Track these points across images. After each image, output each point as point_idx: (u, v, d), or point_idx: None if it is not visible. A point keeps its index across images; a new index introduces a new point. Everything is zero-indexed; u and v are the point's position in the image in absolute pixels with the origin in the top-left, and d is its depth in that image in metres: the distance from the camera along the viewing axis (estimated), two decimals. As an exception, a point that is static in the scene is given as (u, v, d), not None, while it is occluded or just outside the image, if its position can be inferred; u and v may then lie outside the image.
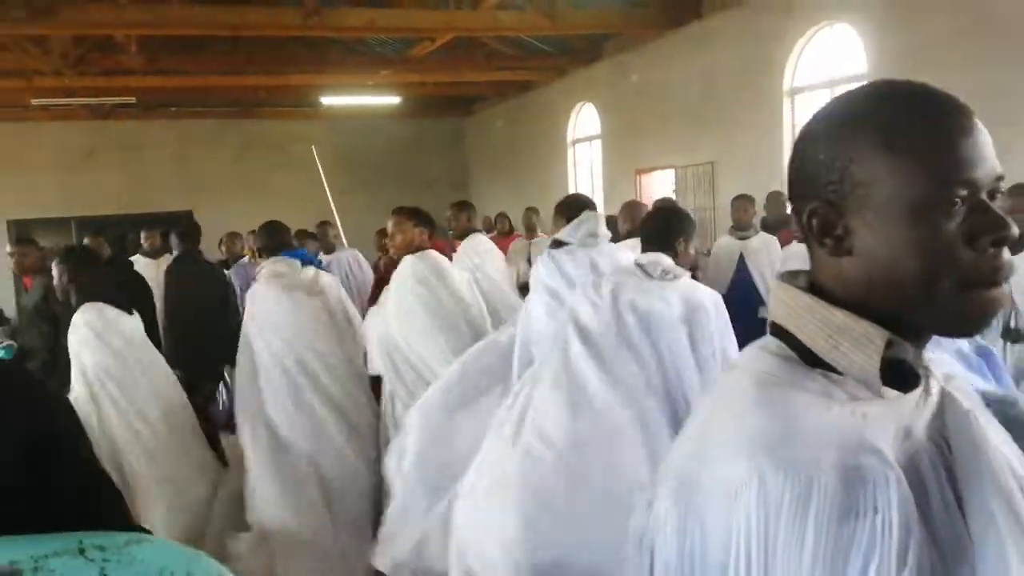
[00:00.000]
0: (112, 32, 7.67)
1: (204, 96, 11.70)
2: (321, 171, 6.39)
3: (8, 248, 4.90)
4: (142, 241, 6.95)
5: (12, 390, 1.01)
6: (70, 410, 1.09)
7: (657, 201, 5.87)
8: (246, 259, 7.03)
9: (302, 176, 12.84)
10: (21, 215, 11.65)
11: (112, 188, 12.15)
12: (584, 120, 10.57)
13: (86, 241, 5.98)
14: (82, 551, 0.76)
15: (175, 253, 5.81)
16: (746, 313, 4.91)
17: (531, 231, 7.07)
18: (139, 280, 5.49)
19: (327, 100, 11.48)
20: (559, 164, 10.99)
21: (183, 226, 6.05)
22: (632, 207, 4.89)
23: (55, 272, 3.66)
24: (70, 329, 3.34)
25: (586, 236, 3.07)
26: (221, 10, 7.11)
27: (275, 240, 3.97)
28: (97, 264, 4.00)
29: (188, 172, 12.73)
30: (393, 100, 11.61)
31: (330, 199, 6.46)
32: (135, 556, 0.77)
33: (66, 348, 3.37)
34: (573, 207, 3.24)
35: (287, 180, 12.88)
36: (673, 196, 7.97)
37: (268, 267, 3.85)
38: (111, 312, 3.41)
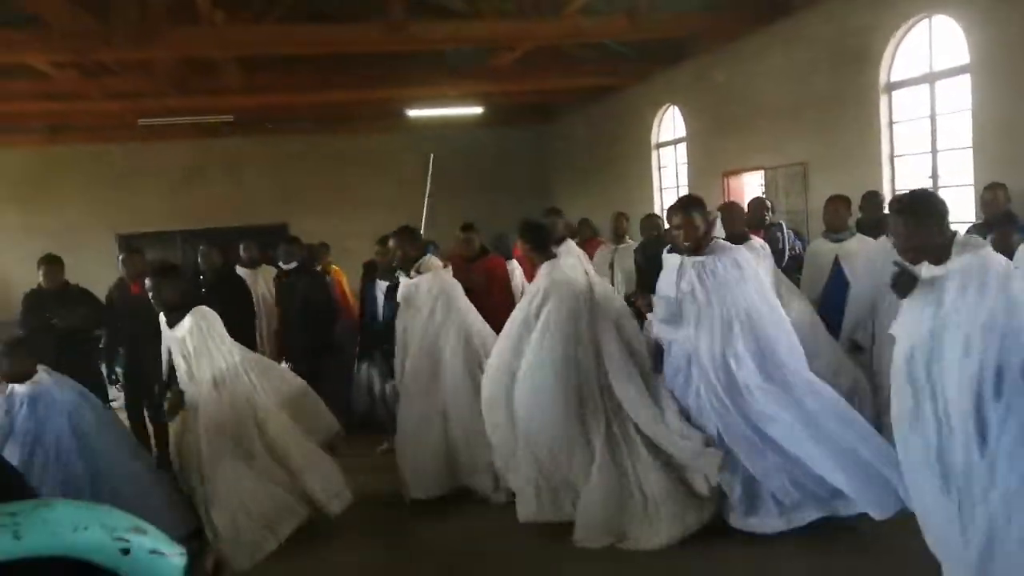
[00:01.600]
0: (212, 54, 8.04)
1: (296, 112, 12.15)
2: (429, 179, 6.53)
3: (120, 255, 5.47)
4: (241, 253, 7.29)
5: None
6: None
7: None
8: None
9: (386, 186, 13.22)
10: (130, 229, 12.37)
11: (213, 202, 12.76)
12: (668, 123, 10.43)
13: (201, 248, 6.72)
14: None
15: (284, 263, 6.69)
16: (841, 320, 4.73)
17: (620, 237, 7.00)
18: (243, 286, 6.37)
19: (412, 112, 11.72)
20: (643, 168, 10.88)
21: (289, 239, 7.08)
22: (731, 208, 4.91)
23: (148, 284, 4.00)
24: (193, 329, 3.97)
25: None
26: (312, 28, 7.38)
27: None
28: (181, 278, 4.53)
29: (282, 186, 13.23)
30: (475, 110, 11.75)
31: (425, 206, 6.59)
32: (46, 517, 0.84)
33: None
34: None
35: (373, 191, 13.24)
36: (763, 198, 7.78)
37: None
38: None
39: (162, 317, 4.14)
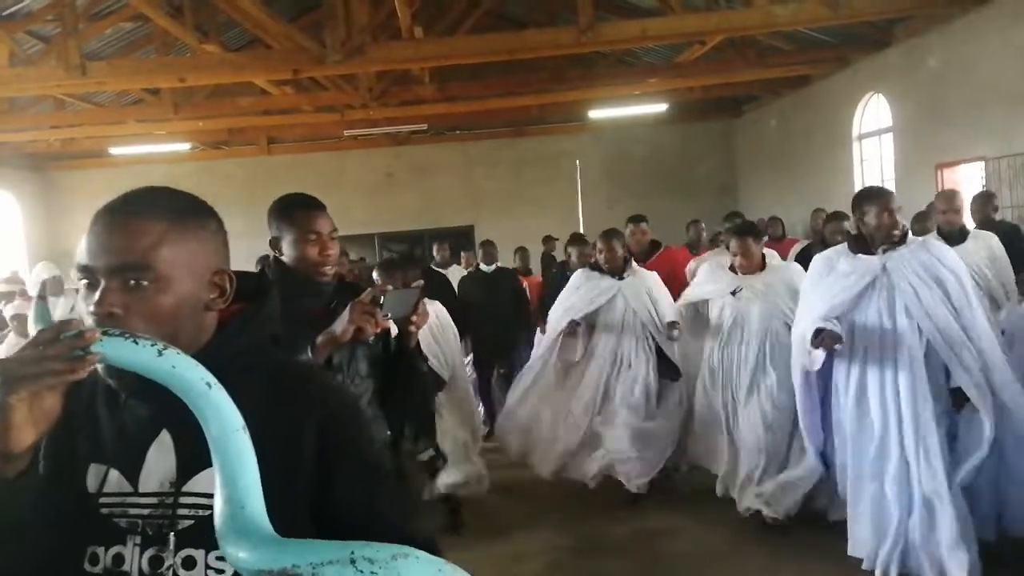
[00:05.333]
0: (410, 66, 8.52)
1: (484, 118, 12.57)
2: (579, 185, 6.56)
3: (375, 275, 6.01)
4: (434, 253, 7.67)
5: (301, 391, 1.15)
6: (348, 404, 1.26)
7: None
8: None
9: (570, 187, 13.36)
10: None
11: (407, 206, 13.50)
12: (872, 113, 9.72)
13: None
14: (353, 562, 0.83)
15: (486, 264, 7.03)
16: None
17: (818, 234, 6.63)
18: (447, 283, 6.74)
19: (595, 114, 11.75)
20: (842, 162, 10.21)
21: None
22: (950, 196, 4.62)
23: (376, 277, 4.46)
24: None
25: None
26: (502, 36, 7.59)
27: None
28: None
29: (470, 190, 13.75)
30: (660, 107, 11.57)
31: (580, 212, 6.61)
32: (400, 571, 0.83)
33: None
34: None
35: (556, 193, 13.43)
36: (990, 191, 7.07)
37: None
38: None
39: None
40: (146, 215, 1.07)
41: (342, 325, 1.99)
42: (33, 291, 7.49)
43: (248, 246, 4.07)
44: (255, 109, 9.99)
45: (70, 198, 12.97)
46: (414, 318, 2.09)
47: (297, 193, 2.31)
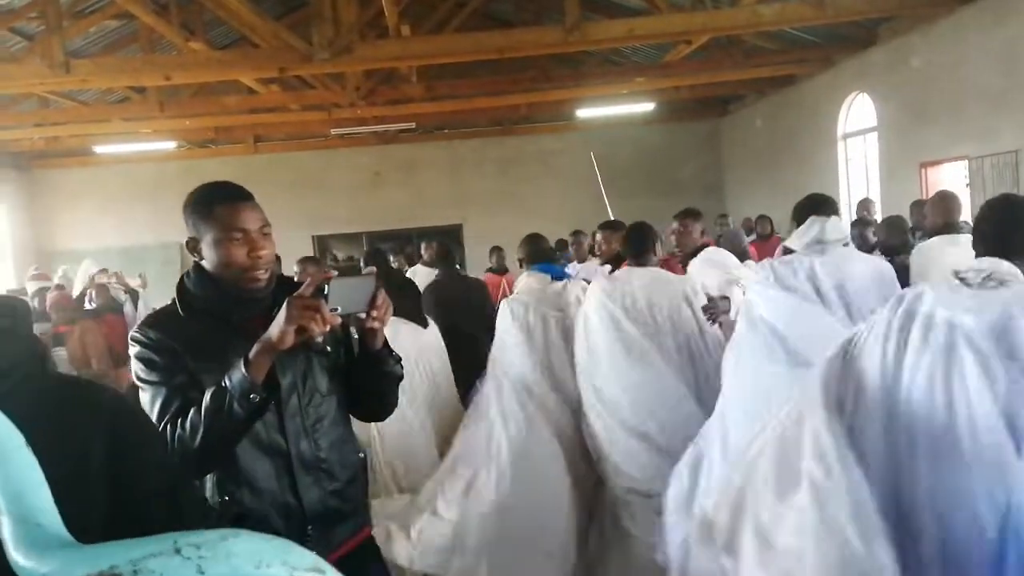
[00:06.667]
0: (397, 65, 8.50)
1: (471, 117, 12.58)
2: (599, 177, 6.52)
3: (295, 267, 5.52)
4: (422, 252, 7.66)
5: (84, 403, 1.18)
6: (134, 413, 1.30)
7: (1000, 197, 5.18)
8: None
9: (558, 186, 13.39)
10: (323, 231, 13.38)
11: (395, 205, 13.49)
12: (857, 112, 9.80)
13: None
14: (178, 551, 0.79)
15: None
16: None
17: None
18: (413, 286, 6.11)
19: (582, 113, 11.78)
20: (827, 161, 10.29)
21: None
22: (945, 199, 4.36)
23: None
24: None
25: (812, 242, 2.82)
26: (489, 35, 7.59)
27: (533, 252, 4.18)
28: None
29: (458, 188, 13.75)
30: (647, 107, 11.62)
31: (607, 204, 6.54)
32: (231, 550, 0.79)
33: None
34: (803, 210, 2.97)
35: (544, 192, 13.46)
36: (967, 190, 7.14)
37: (523, 280, 4.09)
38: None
39: None
40: None
41: (279, 328, 1.60)
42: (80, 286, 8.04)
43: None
44: (242, 108, 9.95)
45: (54, 197, 12.88)
46: (373, 312, 1.71)
47: (216, 182, 1.87)
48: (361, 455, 2.00)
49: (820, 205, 2.96)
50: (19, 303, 1.28)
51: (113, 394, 1.31)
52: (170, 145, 12.06)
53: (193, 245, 1.82)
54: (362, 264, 6.38)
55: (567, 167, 13.31)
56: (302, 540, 1.77)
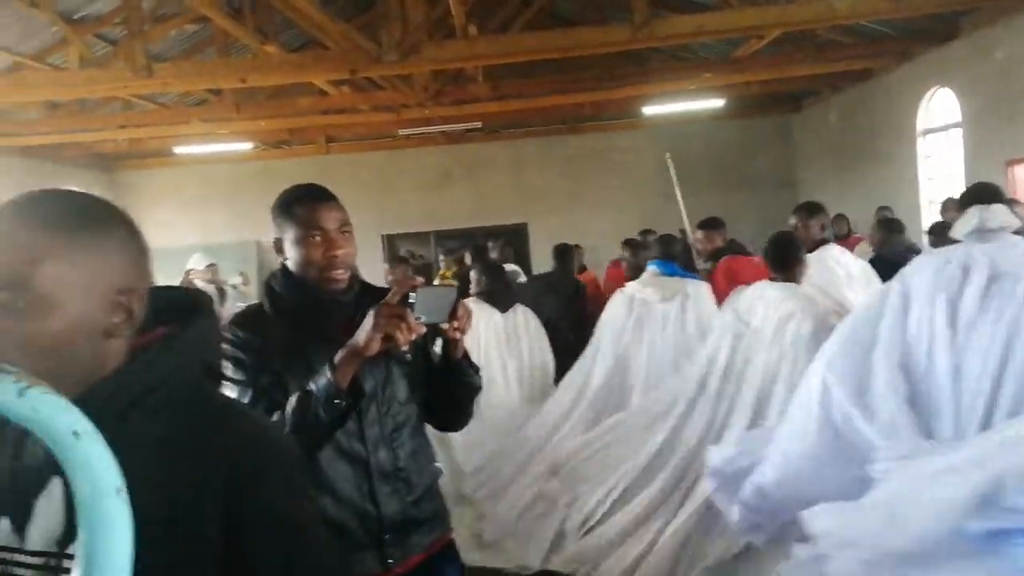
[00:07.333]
0: (464, 65, 8.57)
1: (536, 116, 12.58)
2: (674, 176, 6.40)
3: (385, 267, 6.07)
4: (490, 250, 7.71)
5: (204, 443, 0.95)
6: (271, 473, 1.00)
7: None
8: None
9: (625, 185, 13.28)
10: (392, 230, 13.58)
11: (462, 204, 13.60)
12: (937, 107, 9.41)
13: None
14: None
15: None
16: None
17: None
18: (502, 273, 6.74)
19: (648, 110, 11.64)
20: (906, 158, 9.92)
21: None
22: None
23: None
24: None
25: (973, 231, 2.64)
26: (555, 34, 7.58)
27: (657, 251, 4.77)
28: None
29: (522, 188, 13.77)
30: (716, 103, 11.41)
31: (682, 206, 6.42)
32: None
33: None
34: (966, 199, 2.89)
35: (610, 190, 13.37)
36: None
37: (645, 274, 4.60)
38: None
39: None
40: (27, 224, 0.91)
41: (365, 334, 1.62)
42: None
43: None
44: (314, 109, 10.17)
45: (137, 197, 13.41)
46: (455, 323, 1.71)
47: (300, 184, 1.93)
48: (438, 464, 2.00)
49: (981, 194, 2.89)
50: (203, 299, 1.07)
51: (248, 427, 1.05)
52: (247, 146, 12.43)
53: (279, 246, 1.87)
54: (468, 256, 6.77)
55: (633, 165, 13.19)
56: (379, 547, 1.81)
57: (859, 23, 8.60)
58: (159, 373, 0.96)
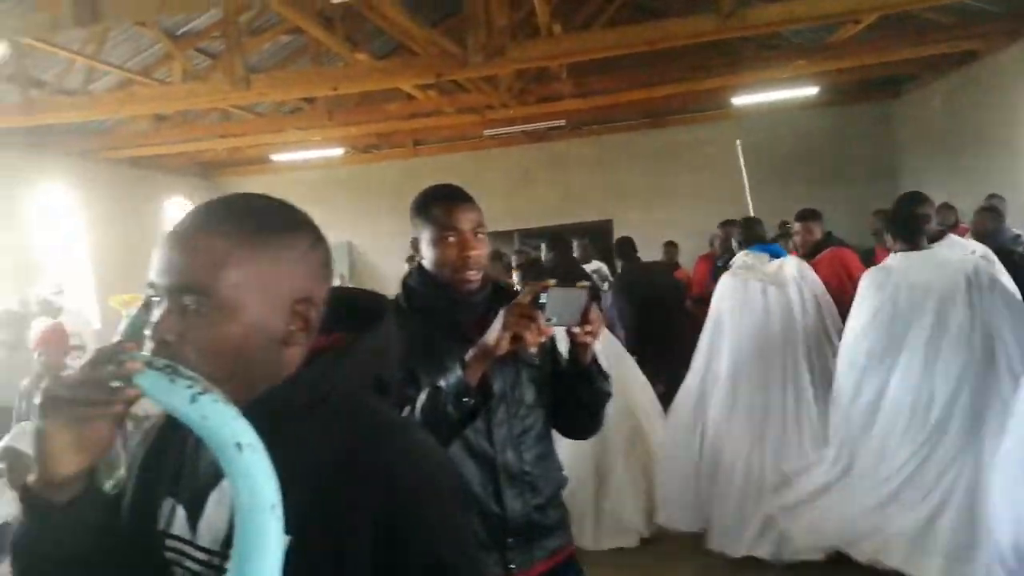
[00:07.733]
0: (547, 63, 8.57)
1: (621, 111, 12.46)
2: (743, 167, 6.28)
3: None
4: (574, 249, 7.68)
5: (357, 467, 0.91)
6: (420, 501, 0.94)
7: None
8: None
9: (711, 178, 12.98)
10: (478, 230, 13.70)
11: (545, 202, 13.60)
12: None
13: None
14: None
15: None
16: None
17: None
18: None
19: (738, 101, 11.35)
20: (1018, 144, 9.34)
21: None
22: None
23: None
24: None
25: None
26: (639, 28, 7.49)
27: (749, 234, 4.65)
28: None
29: (606, 184, 13.66)
30: (810, 91, 11.02)
31: (748, 195, 6.30)
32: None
33: None
34: None
35: (697, 183, 13.09)
36: None
37: (740, 259, 4.48)
38: None
39: None
40: (213, 229, 0.91)
41: (495, 334, 1.61)
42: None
43: (400, 246, 4.27)
44: (402, 113, 10.38)
45: (236, 203, 13.96)
46: (587, 327, 1.67)
47: (439, 184, 1.96)
48: (564, 472, 1.97)
49: None
50: (385, 304, 1.02)
51: (407, 450, 0.97)
52: (338, 151, 12.79)
53: (415, 245, 1.92)
54: (544, 249, 6.82)
55: (720, 157, 12.86)
56: (502, 550, 1.80)
57: (963, 2, 8.15)
58: (332, 382, 0.94)
